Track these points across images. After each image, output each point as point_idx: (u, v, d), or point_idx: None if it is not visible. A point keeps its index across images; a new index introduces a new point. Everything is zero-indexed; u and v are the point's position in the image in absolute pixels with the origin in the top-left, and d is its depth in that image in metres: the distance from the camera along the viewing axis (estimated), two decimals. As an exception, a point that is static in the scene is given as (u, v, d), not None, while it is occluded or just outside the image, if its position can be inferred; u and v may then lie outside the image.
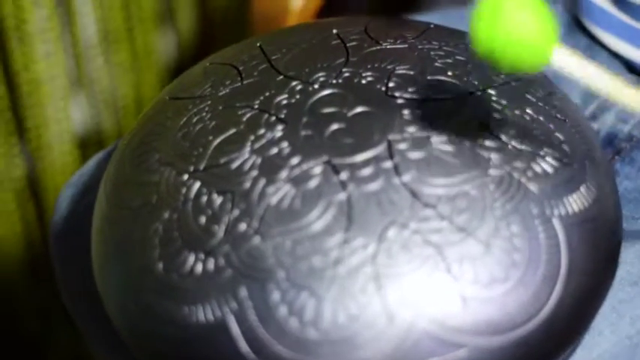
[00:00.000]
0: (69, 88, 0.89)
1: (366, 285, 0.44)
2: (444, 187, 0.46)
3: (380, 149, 0.47)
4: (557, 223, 0.46)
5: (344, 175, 0.46)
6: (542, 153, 0.48)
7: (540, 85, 0.51)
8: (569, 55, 0.43)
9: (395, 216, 0.45)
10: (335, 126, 0.48)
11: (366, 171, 0.46)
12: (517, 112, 0.49)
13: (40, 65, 0.84)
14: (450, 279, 0.44)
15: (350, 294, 0.44)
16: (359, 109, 0.49)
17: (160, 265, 0.46)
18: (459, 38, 0.54)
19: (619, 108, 0.60)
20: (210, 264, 0.45)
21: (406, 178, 0.46)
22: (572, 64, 0.44)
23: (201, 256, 0.45)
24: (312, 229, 0.45)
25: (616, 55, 0.63)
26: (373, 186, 0.46)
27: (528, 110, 0.49)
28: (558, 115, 0.50)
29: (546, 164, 0.47)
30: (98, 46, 0.91)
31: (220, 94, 0.51)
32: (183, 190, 0.47)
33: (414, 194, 0.45)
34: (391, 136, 0.47)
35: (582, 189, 0.48)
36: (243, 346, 0.44)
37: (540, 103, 0.50)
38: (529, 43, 0.42)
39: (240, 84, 0.51)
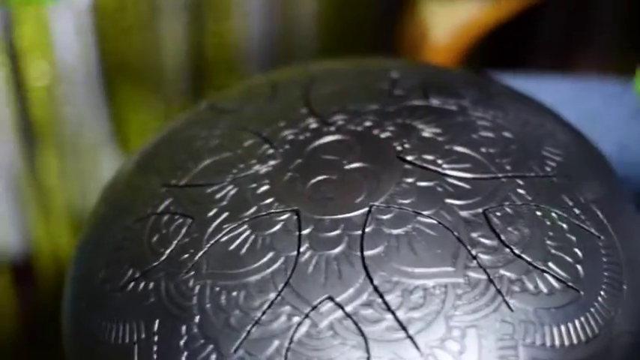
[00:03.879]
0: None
1: (273, 358, 0.39)
2: (405, 275, 0.40)
3: (357, 214, 0.41)
4: (522, 353, 0.39)
5: (305, 231, 0.41)
6: (543, 267, 0.40)
7: (590, 189, 0.43)
8: None
9: (337, 291, 0.40)
10: (323, 176, 0.43)
11: (331, 233, 0.41)
12: (538, 212, 0.42)
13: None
14: (365, 379, 0.38)
15: (254, 362, 0.39)
16: (358, 164, 0.43)
17: (103, 272, 0.43)
18: (528, 111, 0.47)
19: None
20: (141, 285, 0.42)
21: (369, 253, 0.40)
22: None
23: (137, 274, 0.42)
24: (246, 281, 0.40)
25: None
26: (330, 252, 0.40)
27: (553, 214, 0.42)
28: (592, 229, 0.42)
29: (543, 281, 0.40)
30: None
31: (243, 112, 0.47)
32: (156, 202, 0.44)
33: (368, 274, 0.40)
34: (377, 203, 0.42)
35: (578, 322, 0.40)
36: (137, 382, 0.40)
37: (576, 210, 0.42)
38: None
39: (266, 106, 0.47)
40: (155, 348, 0.40)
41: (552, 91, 0.56)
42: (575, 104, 0.53)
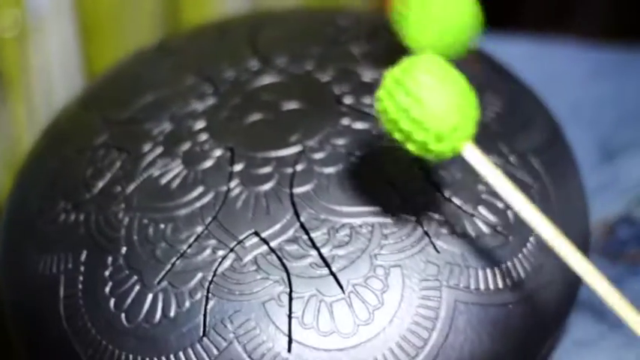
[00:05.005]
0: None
1: (196, 290, 0.39)
2: (332, 213, 0.39)
3: (289, 152, 0.41)
4: (446, 294, 0.38)
5: (237, 167, 0.41)
6: (472, 211, 0.40)
7: (528, 138, 0.43)
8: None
9: (264, 227, 0.39)
10: (260, 115, 0.43)
11: (262, 170, 0.41)
12: (472, 158, 0.41)
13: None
14: (285, 313, 0.38)
15: (177, 294, 0.39)
16: (295, 105, 0.43)
17: (36, 203, 0.43)
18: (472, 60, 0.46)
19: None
20: (72, 217, 0.42)
21: (298, 191, 0.40)
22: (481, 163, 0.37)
23: (69, 206, 0.42)
24: (175, 214, 0.40)
25: None
26: (259, 188, 0.40)
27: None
28: (525, 178, 0.42)
29: (471, 225, 0.40)
30: None
31: (189, 52, 0.47)
32: (94, 136, 0.44)
33: (296, 211, 0.40)
34: (310, 142, 0.41)
35: (505, 267, 0.40)
36: (61, 312, 0.40)
37: (511, 158, 0.42)
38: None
39: (211, 47, 0.47)
40: (81, 278, 0.40)
41: (513, 50, 0.56)
42: (534, 64, 0.53)
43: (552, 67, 0.55)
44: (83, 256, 0.40)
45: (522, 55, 0.54)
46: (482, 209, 0.40)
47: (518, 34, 0.60)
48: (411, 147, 0.35)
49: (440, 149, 0.35)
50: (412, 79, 0.34)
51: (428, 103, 0.34)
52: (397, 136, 0.35)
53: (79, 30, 0.80)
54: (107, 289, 0.39)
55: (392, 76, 0.35)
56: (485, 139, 0.42)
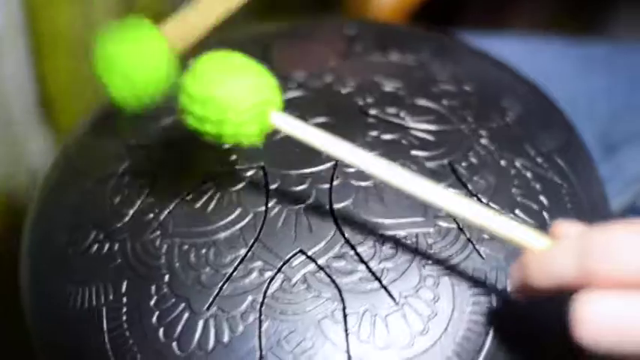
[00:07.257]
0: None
1: (248, 313, 0.38)
2: (376, 226, 0.40)
3: (323, 167, 0.41)
4: (496, 299, 0.39)
5: (273, 186, 0.41)
6: (510, 215, 0.40)
7: (550, 138, 0.44)
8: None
9: (308, 245, 0.39)
10: None
11: (299, 187, 0.41)
12: (503, 161, 0.42)
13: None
14: (341, 330, 0.38)
15: (228, 319, 0.38)
16: (322, 119, 0.43)
17: (64, 236, 0.42)
18: (485, 65, 0.47)
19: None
20: (106, 247, 0.41)
21: (338, 206, 0.40)
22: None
23: (101, 236, 0.41)
24: (215, 238, 0.40)
25: None
26: (299, 205, 0.40)
27: (517, 163, 0.42)
28: (555, 177, 0.42)
29: (511, 229, 0.40)
30: None
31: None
32: (115, 163, 0.43)
33: (339, 227, 0.40)
34: (343, 156, 0.41)
35: (547, 267, 0.40)
36: (107, 344, 0.39)
37: (539, 159, 0.43)
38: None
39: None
40: (124, 309, 0.39)
41: (506, 49, 0.56)
42: (523, 63, 0.54)
43: (541, 66, 0.56)
44: (124, 287, 0.40)
45: (510, 55, 0.55)
46: (518, 212, 0.41)
47: (506, 34, 0.61)
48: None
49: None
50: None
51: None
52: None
53: (34, 50, 0.78)
54: (154, 319, 0.39)
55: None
56: (509, 141, 0.43)
